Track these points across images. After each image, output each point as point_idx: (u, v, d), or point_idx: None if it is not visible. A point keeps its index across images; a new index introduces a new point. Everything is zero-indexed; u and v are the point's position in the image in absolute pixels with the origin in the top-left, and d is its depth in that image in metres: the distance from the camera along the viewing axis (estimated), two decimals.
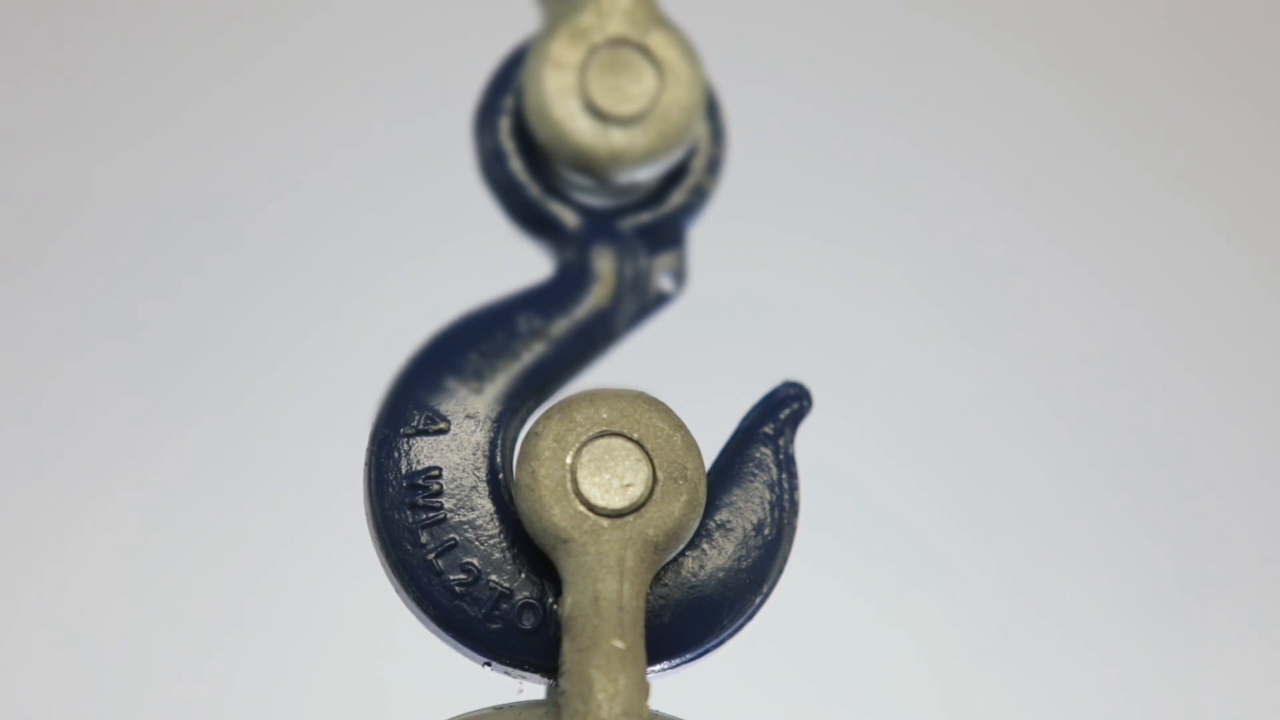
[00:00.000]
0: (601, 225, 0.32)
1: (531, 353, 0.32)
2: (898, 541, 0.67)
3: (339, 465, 0.68)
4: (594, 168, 0.30)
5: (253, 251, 0.67)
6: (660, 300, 0.33)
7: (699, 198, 0.33)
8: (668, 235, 0.32)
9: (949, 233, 0.70)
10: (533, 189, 0.32)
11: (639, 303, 0.32)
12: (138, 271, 0.67)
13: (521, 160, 0.32)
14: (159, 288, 0.67)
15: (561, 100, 0.30)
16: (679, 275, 0.33)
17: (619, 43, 0.30)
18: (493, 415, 0.31)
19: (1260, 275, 0.70)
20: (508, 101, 0.32)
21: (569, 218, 0.32)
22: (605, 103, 0.30)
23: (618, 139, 0.30)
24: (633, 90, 0.30)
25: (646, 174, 0.31)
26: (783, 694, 0.66)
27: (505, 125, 0.32)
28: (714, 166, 0.33)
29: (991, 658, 0.66)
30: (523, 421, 0.32)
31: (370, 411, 0.33)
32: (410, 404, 0.31)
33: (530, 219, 0.32)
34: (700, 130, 0.32)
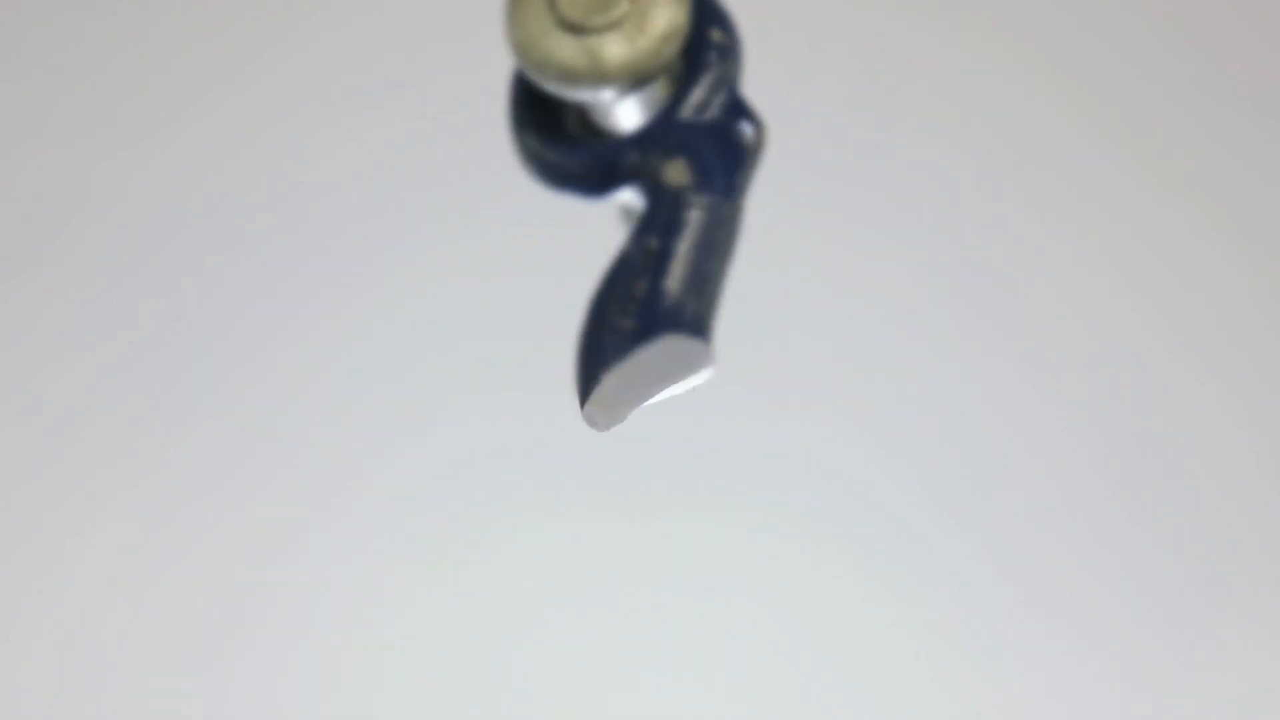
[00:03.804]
0: (645, 134, 0.32)
1: (668, 262, 0.31)
2: (898, 541, 0.67)
3: (339, 465, 0.68)
4: (582, 82, 0.30)
5: (253, 251, 0.67)
6: (751, 151, 0.33)
7: (724, 54, 0.33)
8: (714, 99, 0.33)
9: (949, 232, 0.70)
10: (559, 152, 0.32)
11: (728, 167, 0.32)
12: (138, 271, 0.67)
13: (550, 138, 0.32)
14: (159, 288, 0.67)
15: (537, 25, 0.30)
16: (753, 121, 0.33)
17: None
18: (662, 326, 0.31)
19: (1262, 274, 0.70)
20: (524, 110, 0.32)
21: (604, 151, 0.32)
22: (577, 16, 0.30)
23: (595, 47, 0.30)
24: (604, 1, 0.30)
25: (642, 74, 0.31)
26: (783, 693, 0.66)
27: (521, 125, 0.32)
28: (719, 21, 0.34)
29: (993, 657, 0.66)
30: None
31: (386, 415, 0.33)
32: (596, 373, 0.31)
33: (590, 183, 0.33)
34: (684, 22, 0.32)
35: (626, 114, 0.32)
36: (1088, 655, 0.66)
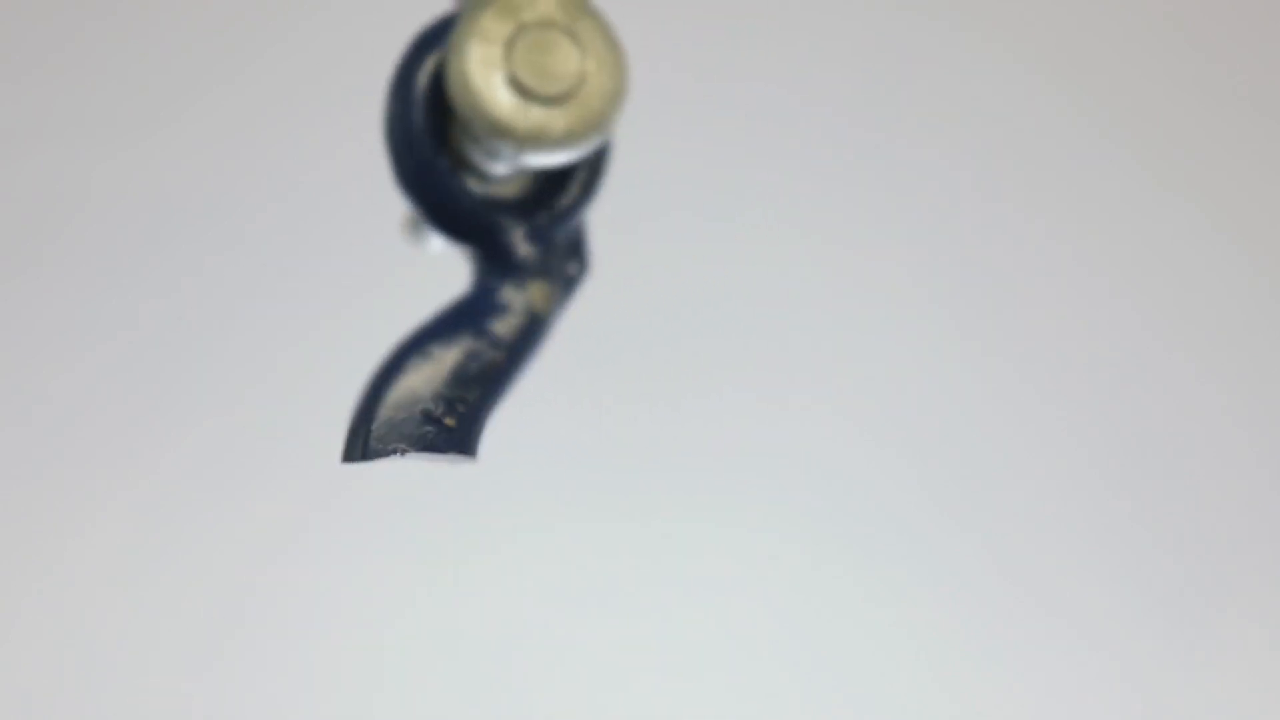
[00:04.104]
0: (543, 234, 0.33)
1: (489, 369, 0.32)
2: (898, 541, 0.67)
3: (339, 465, 0.68)
4: (509, 142, 0.30)
5: (253, 251, 0.67)
6: (571, 285, 0.33)
7: (592, 188, 0.34)
8: (576, 226, 0.33)
9: (949, 232, 0.70)
10: (481, 205, 0.33)
11: (565, 299, 0.33)
12: (138, 271, 0.67)
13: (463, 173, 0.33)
14: (159, 288, 0.67)
15: (485, 72, 0.30)
16: (581, 260, 0.34)
17: (548, 25, 0.30)
18: (472, 450, 0.32)
19: (1262, 275, 0.70)
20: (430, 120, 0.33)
21: (523, 249, 0.33)
22: (529, 80, 0.30)
23: (537, 116, 0.30)
24: (558, 72, 0.30)
25: (562, 156, 0.31)
26: (783, 693, 0.66)
27: (428, 134, 0.33)
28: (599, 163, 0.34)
29: (992, 657, 0.66)
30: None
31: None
32: (392, 449, 0.32)
33: (460, 225, 0.33)
34: (618, 119, 0.32)
35: (508, 169, 0.32)
36: (1088, 655, 0.66)
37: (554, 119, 0.30)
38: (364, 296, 0.68)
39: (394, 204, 0.72)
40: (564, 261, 0.34)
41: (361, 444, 0.32)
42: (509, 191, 0.33)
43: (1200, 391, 0.69)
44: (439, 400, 0.32)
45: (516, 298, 0.33)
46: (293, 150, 0.68)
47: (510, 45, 0.30)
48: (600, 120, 0.30)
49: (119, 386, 0.66)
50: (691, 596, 0.66)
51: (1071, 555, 0.67)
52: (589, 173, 0.34)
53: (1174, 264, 0.70)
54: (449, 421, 0.32)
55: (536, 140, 0.30)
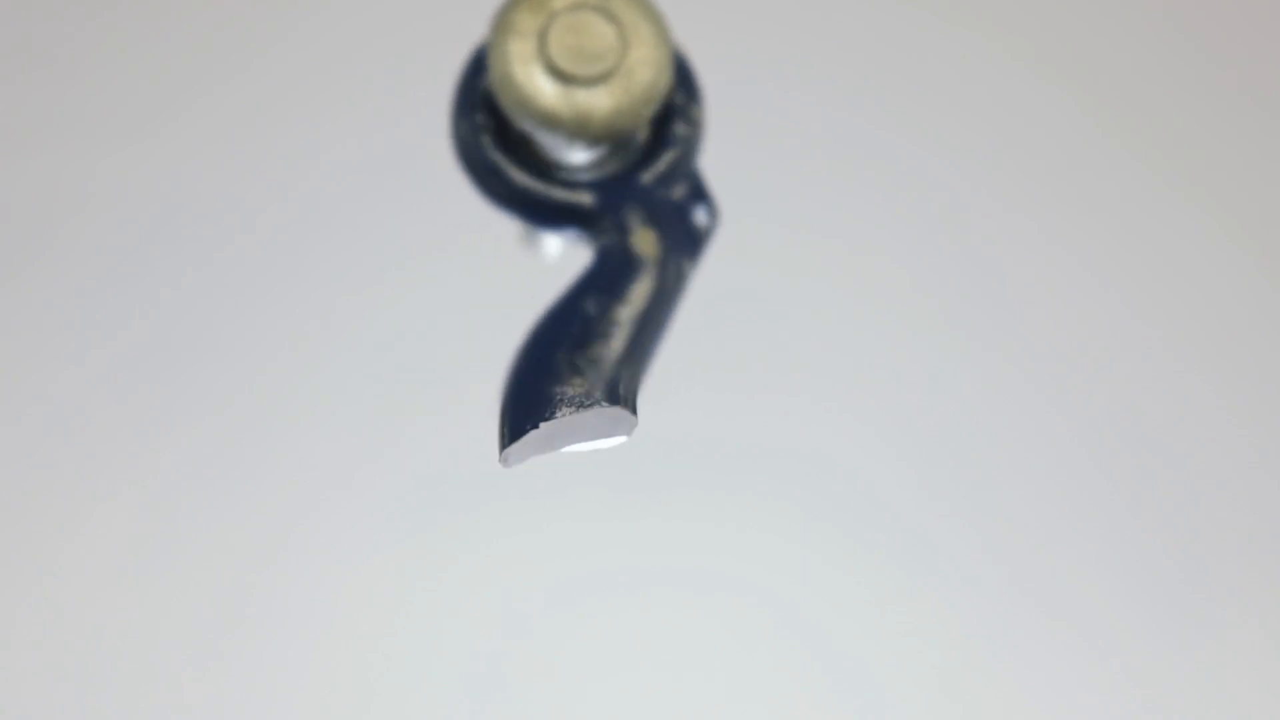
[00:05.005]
0: (619, 190, 0.32)
1: (614, 331, 0.32)
2: (897, 540, 0.67)
3: (339, 465, 0.68)
4: (561, 130, 0.30)
5: (253, 251, 0.67)
6: (706, 235, 0.33)
7: (695, 129, 0.33)
8: (680, 174, 0.33)
9: (950, 231, 0.70)
10: (538, 187, 0.32)
11: (687, 247, 0.33)
12: (138, 271, 0.67)
13: (517, 166, 0.32)
14: (159, 288, 0.67)
15: (523, 65, 0.30)
16: (709, 206, 0.33)
17: (579, 6, 0.30)
18: (603, 397, 0.31)
19: (1262, 271, 0.70)
20: (482, 117, 0.32)
21: (584, 198, 0.32)
22: (567, 65, 0.30)
23: (582, 99, 0.30)
24: (595, 51, 0.30)
25: (619, 132, 0.31)
26: (782, 692, 0.66)
27: (487, 140, 0.32)
28: (694, 95, 0.34)
29: (992, 656, 0.66)
30: (636, 382, 0.33)
31: (410, 420, 0.33)
32: (527, 425, 0.31)
33: (546, 215, 0.33)
34: (670, 84, 0.32)
35: (580, 155, 0.32)
36: (1088, 655, 0.66)
37: (598, 99, 0.30)
38: (365, 295, 0.68)
39: (396, 203, 0.72)
40: (681, 213, 0.33)
41: (508, 430, 0.32)
42: (613, 169, 0.33)
43: (1201, 392, 0.69)
44: (565, 365, 0.32)
45: (628, 252, 0.33)
46: (293, 150, 0.68)
47: (544, 35, 0.30)
48: (647, 91, 0.30)
49: (119, 386, 0.65)
50: (691, 597, 0.66)
51: (1072, 554, 0.67)
52: (660, 125, 0.33)
53: (1176, 263, 0.70)
54: (577, 382, 0.31)
55: (584, 123, 0.30)
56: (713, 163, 0.69)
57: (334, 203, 0.69)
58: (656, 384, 0.68)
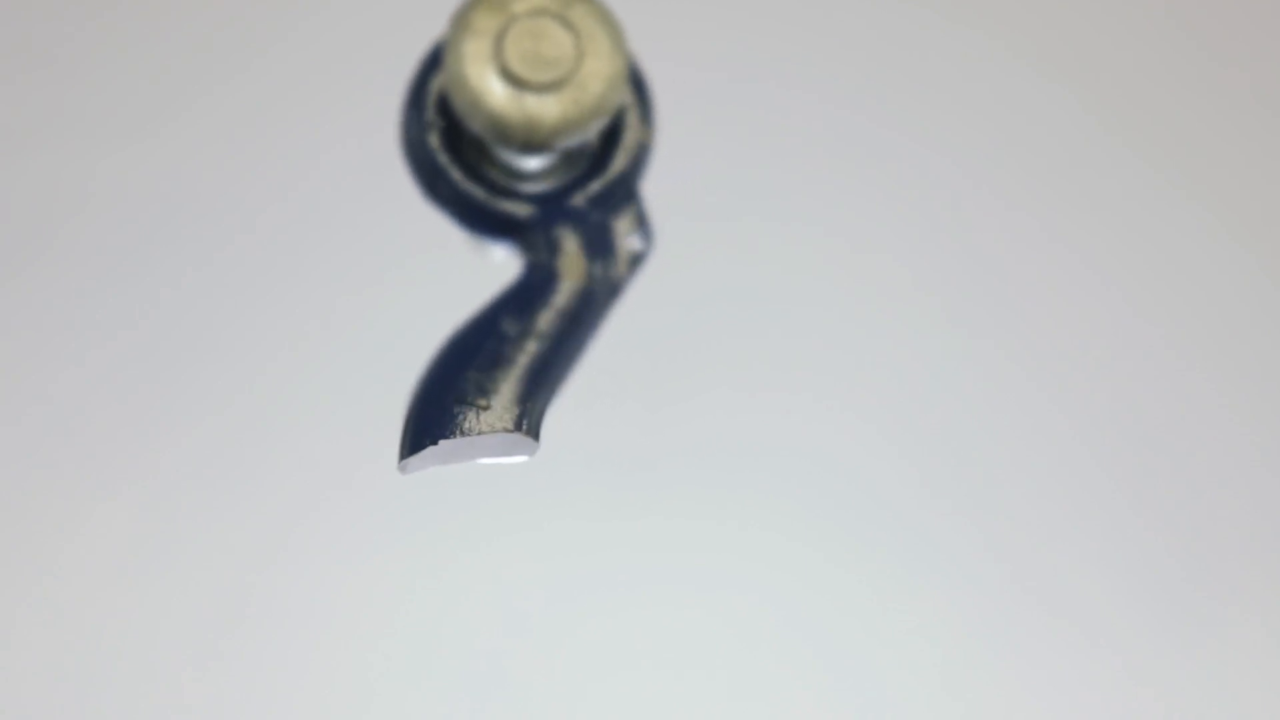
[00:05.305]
0: (554, 207, 0.32)
1: (526, 353, 0.32)
2: (897, 540, 0.67)
3: (339, 465, 0.68)
4: (509, 134, 0.30)
5: (253, 251, 0.67)
6: (636, 261, 0.33)
7: (642, 152, 0.33)
8: (621, 196, 0.33)
9: (951, 230, 0.70)
10: (477, 192, 0.32)
11: (616, 271, 0.33)
12: (138, 271, 0.67)
13: (460, 169, 0.32)
14: (159, 288, 0.67)
15: (477, 66, 0.30)
16: (645, 232, 0.33)
17: (539, 12, 0.30)
18: (507, 422, 0.31)
19: (1265, 270, 0.70)
20: (433, 116, 0.32)
21: (520, 210, 0.32)
22: (520, 69, 0.30)
23: (532, 105, 0.30)
24: (550, 58, 0.30)
25: (566, 142, 0.31)
26: (785, 691, 0.66)
27: (435, 140, 0.32)
28: (647, 117, 0.33)
29: (992, 656, 0.66)
30: (541, 412, 0.32)
31: (378, 425, 0.34)
32: (426, 440, 0.31)
33: (482, 222, 0.33)
34: (622, 100, 0.32)
35: (527, 163, 0.32)
36: (1091, 653, 0.66)
37: (548, 106, 0.30)
38: (365, 295, 0.68)
39: (395, 203, 0.72)
40: (614, 237, 0.33)
41: (408, 442, 0.32)
42: (558, 183, 0.33)
43: (1205, 390, 0.69)
44: (472, 384, 0.32)
45: (553, 272, 0.33)
46: (293, 150, 0.68)
47: (501, 37, 0.30)
48: (597, 104, 0.30)
49: (119, 386, 0.66)
50: (693, 595, 0.66)
51: (1073, 553, 0.67)
52: (604, 145, 0.33)
53: (1180, 261, 0.70)
54: (481, 403, 0.32)
55: (532, 129, 0.30)
56: (713, 160, 0.69)
57: (335, 202, 0.69)
58: (656, 382, 0.68)
